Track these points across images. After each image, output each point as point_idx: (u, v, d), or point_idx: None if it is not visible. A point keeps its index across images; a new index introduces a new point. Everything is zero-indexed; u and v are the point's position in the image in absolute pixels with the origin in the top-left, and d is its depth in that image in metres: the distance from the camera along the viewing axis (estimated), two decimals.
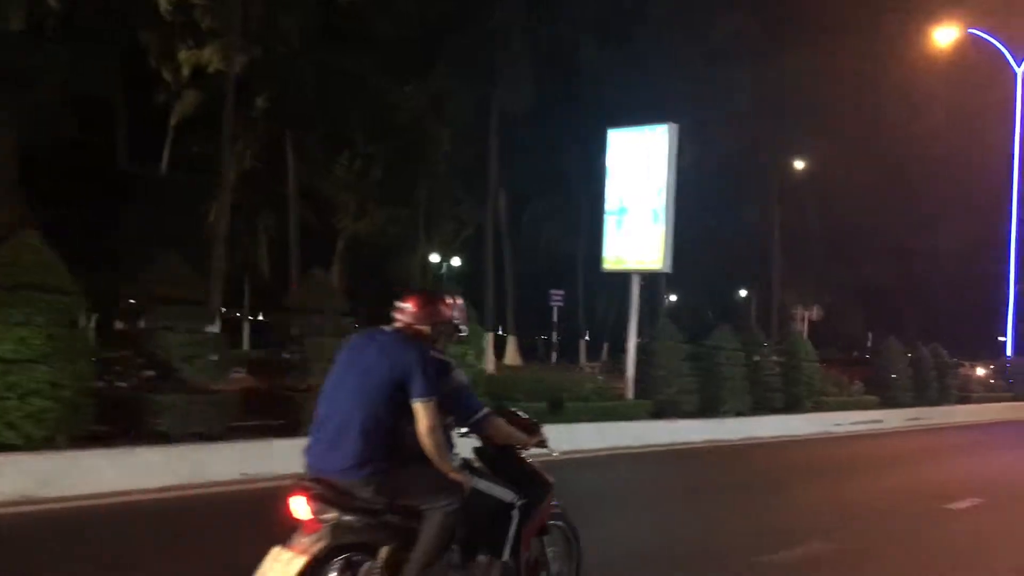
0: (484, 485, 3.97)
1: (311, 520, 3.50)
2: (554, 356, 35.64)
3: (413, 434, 3.61)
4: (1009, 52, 29.10)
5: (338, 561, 3.54)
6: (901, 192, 45.15)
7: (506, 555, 3.94)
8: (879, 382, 20.21)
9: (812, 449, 14.91)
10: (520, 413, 4.39)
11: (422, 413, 3.59)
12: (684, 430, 14.10)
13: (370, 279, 41.56)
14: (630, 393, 14.48)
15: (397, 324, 3.85)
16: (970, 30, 28.68)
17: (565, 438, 9.82)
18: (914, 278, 51.86)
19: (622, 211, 14.68)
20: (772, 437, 15.54)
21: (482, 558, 3.93)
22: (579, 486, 8.62)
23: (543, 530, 4.29)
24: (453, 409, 3.86)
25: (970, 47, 30.08)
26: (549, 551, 4.38)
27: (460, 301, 4.02)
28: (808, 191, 42.29)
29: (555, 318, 26.81)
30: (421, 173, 33.13)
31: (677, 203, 14.30)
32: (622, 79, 31.60)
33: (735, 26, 32.93)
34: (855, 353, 35.21)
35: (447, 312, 3.91)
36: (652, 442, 13.34)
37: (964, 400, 22.79)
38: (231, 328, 26.28)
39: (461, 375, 3.88)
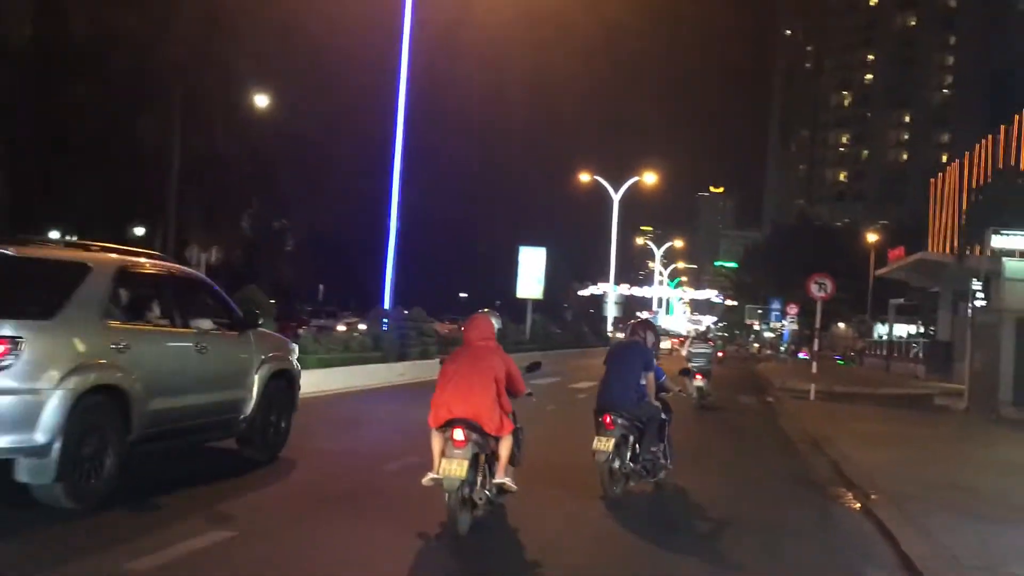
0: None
1: (610, 424, 7.86)
2: None
3: (645, 386, 8.30)
4: None
5: (625, 441, 7.99)
6: (344, 127, 39.42)
7: (664, 443, 8.61)
8: None
9: None
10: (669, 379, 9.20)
11: (650, 379, 8.35)
12: None
13: None
14: None
15: (635, 338, 8.60)
16: None
17: None
18: (368, 226, 47.28)
19: None
20: None
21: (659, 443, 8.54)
22: None
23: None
24: (656, 376, 8.56)
25: None
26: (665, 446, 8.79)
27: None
28: (226, 116, 34.23)
29: None
30: None
31: None
32: None
33: None
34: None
35: (647, 333, 8.65)
36: None
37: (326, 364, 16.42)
38: None
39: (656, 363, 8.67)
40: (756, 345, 68.13)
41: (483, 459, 6.37)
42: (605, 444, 7.76)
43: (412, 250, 66.72)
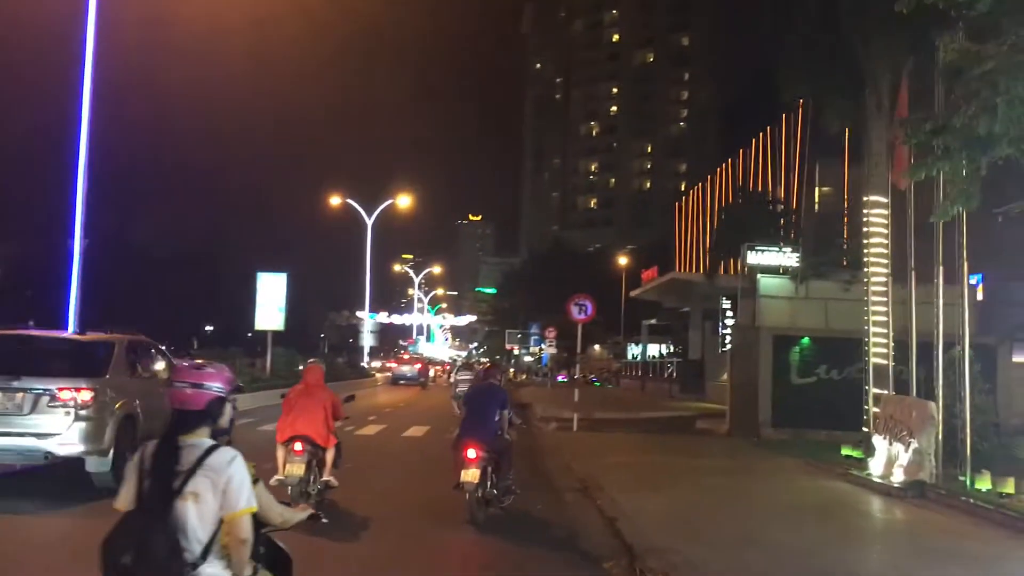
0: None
1: (474, 458, 8.74)
2: None
3: (499, 422, 9.34)
4: None
5: (485, 472, 8.86)
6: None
7: (511, 473, 9.59)
8: None
9: None
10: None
11: (504, 415, 9.45)
12: None
13: None
14: None
15: (492, 381, 10.03)
16: None
17: None
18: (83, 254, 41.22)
19: None
20: None
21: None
22: None
23: None
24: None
25: None
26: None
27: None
28: None
29: None
30: None
31: None
32: None
33: None
34: None
35: (498, 375, 10.60)
36: None
37: None
38: None
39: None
40: (512, 370, 67.85)
41: (314, 464, 8.86)
42: (472, 476, 8.81)
43: (146, 281, 60.10)
